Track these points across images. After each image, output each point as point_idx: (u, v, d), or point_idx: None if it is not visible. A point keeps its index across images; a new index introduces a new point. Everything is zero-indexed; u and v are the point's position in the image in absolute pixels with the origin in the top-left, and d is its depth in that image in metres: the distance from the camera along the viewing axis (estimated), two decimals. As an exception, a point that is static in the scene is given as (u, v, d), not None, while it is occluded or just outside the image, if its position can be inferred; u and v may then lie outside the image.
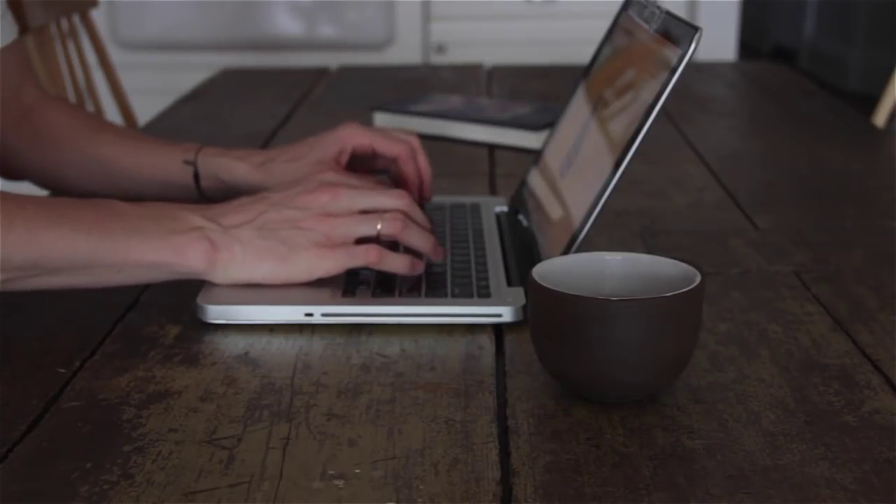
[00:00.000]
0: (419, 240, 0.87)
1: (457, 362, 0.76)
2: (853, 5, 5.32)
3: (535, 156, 1.07)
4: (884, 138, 1.51)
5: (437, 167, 1.09)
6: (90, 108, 1.81)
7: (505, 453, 0.64)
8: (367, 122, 1.49)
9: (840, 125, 1.58)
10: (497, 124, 1.43)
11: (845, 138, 1.48)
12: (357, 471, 0.62)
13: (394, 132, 1.07)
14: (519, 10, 2.99)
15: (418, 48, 3.01)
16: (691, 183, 1.24)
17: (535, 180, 1.02)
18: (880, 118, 1.67)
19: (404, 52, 2.98)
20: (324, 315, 0.82)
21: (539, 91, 1.78)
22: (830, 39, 5.57)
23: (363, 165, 1.06)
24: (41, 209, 0.79)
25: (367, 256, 0.84)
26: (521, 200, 1.04)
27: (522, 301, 0.82)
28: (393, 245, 0.87)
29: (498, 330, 0.82)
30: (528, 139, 1.39)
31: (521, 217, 1.01)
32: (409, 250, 0.87)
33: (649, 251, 0.90)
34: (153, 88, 2.30)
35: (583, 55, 1.16)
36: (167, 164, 1.06)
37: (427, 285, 0.86)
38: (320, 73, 2.02)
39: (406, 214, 0.87)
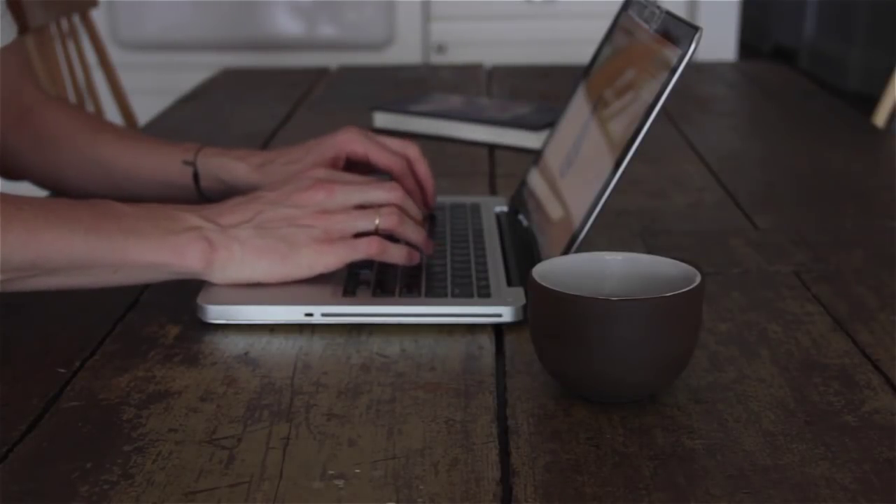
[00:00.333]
0: (413, 233, 0.88)
1: (457, 362, 0.76)
2: (853, 5, 5.32)
3: (535, 156, 1.07)
4: (884, 138, 1.51)
5: (437, 167, 1.08)
6: (90, 108, 1.81)
7: (505, 453, 0.64)
8: (367, 122, 1.50)
9: (840, 125, 1.58)
10: (497, 124, 1.43)
11: (845, 138, 1.48)
12: (357, 471, 0.62)
13: (392, 142, 1.05)
14: (519, 10, 2.99)
15: (418, 48, 3.01)
16: (691, 183, 1.24)
17: (535, 180, 1.02)
18: (880, 118, 1.67)
19: (404, 52, 2.98)
20: (324, 315, 0.82)
21: (539, 91, 1.78)
22: (830, 39, 5.57)
23: (362, 170, 1.06)
24: (39, 210, 0.79)
25: (369, 249, 0.84)
26: (521, 200, 1.04)
27: (522, 301, 0.82)
28: (388, 238, 0.87)
29: (498, 330, 0.82)
30: (528, 139, 1.39)
31: (521, 217, 1.01)
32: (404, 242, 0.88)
33: (649, 251, 0.90)
34: (153, 88, 2.30)
35: (583, 55, 1.16)
36: (167, 164, 1.06)
37: (427, 285, 0.86)
38: (320, 73, 2.02)
39: (400, 208, 0.87)
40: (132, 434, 0.66)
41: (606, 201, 0.82)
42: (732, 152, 1.42)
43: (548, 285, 0.69)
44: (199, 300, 0.83)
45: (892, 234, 1.04)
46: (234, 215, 0.85)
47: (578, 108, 1.00)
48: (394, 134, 1.34)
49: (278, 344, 0.80)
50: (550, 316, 0.70)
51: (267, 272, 0.84)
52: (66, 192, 1.09)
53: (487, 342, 0.80)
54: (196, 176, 1.05)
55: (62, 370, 0.75)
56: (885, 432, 0.66)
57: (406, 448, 0.65)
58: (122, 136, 1.10)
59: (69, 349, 0.79)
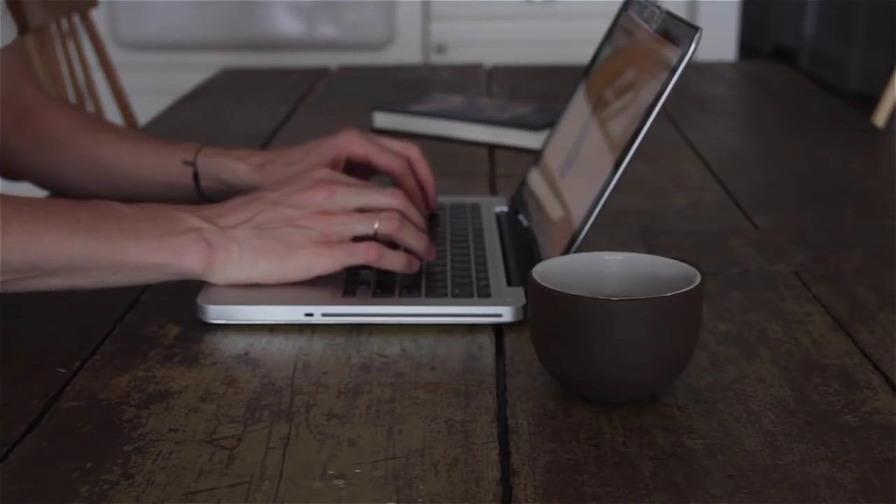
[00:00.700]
0: (414, 239, 0.87)
1: (457, 362, 0.76)
2: (853, 5, 5.32)
3: (535, 156, 1.07)
4: (884, 138, 1.51)
5: (437, 167, 1.08)
6: (90, 108, 1.81)
7: (505, 453, 0.64)
8: (367, 122, 1.50)
9: (840, 125, 1.58)
10: (497, 124, 1.43)
11: (845, 138, 1.48)
12: (357, 471, 0.62)
13: (393, 144, 1.05)
14: (519, 10, 2.99)
15: (418, 48, 3.01)
16: (691, 183, 1.24)
17: (535, 180, 1.02)
18: (880, 118, 1.67)
19: (404, 52, 2.98)
20: (324, 315, 0.82)
21: (539, 91, 1.78)
22: (830, 39, 5.57)
23: (363, 172, 1.06)
24: (38, 211, 0.79)
25: (367, 254, 0.84)
26: (521, 200, 1.04)
27: (522, 301, 0.82)
28: (388, 243, 0.87)
29: (498, 330, 0.82)
30: (528, 139, 1.39)
31: (521, 217, 1.01)
32: (404, 248, 0.87)
33: (649, 251, 0.90)
34: (153, 88, 2.29)
35: (583, 55, 1.16)
36: (167, 164, 1.06)
37: (427, 285, 0.86)
38: (320, 73, 2.02)
39: (401, 213, 0.87)
40: (132, 434, 0.66)
41: (606, 201, 0.82)
42: (732, 152, 1.42)
43: (548, 285, 0.69)
44: (199, 300, 0.83)
45: (892, 234, 1.04)
46: (234, 216, 0.85)
47: (578, 108, 1.00)
48: (394, 134, 1.34)
49: (278, 344, 0.80)
50: (550, 316, 0.70)
51: (265, 273, 0.84)
52: (66, 192, 1.09)
53: (487, 342, 0.80)
54: (196, 176, 1.05)
55: (62, 370, 0.75)
56: (885, 432, 0.66)
57: (406, 448, 0.65)
58: (122, 137, 1.10)
59: (69, 349, 0.79)
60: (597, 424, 0.67)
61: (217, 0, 3.01)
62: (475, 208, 1.07)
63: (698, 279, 0.70)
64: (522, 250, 0.94)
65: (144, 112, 1.82)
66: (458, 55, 2.92)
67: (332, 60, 2.26)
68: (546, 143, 1.06)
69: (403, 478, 0.61)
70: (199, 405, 0.70)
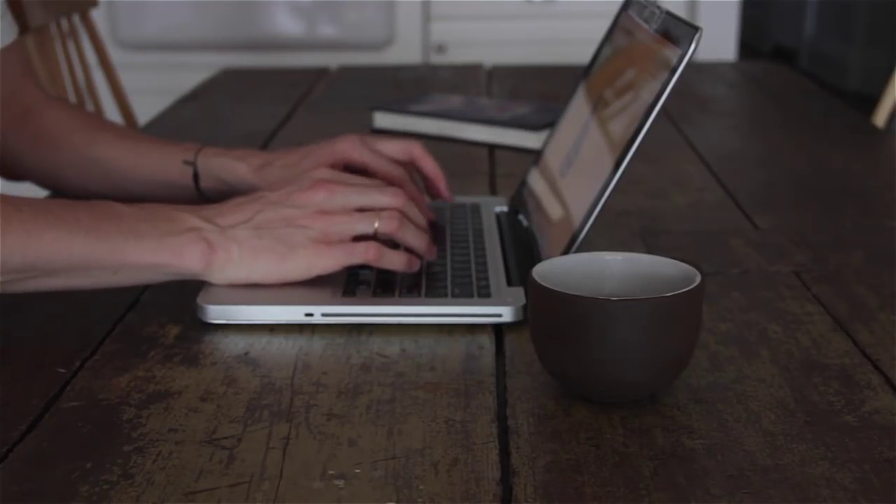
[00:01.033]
0: (414, 238, 0.87)
1: (457, 362, 0.76)
2: (853, 5, 5.32)
3: (535, 156, 1.07)
4: (884, 138, 1.51)
5: (437, 167, 1.08)
6: (90, 108, 1.81)
7: (505, 453, 0.64)
8: (367, 122, 1.50)
9: (840, 125, 1.58)
10: (497, 124, 1.43)
11: (845, 138, 1.48)
12: (357, 471, 0.62)
13: (394, 144, 1.03)
14: (519, 10, 2.99)
15: (418, 48, 3.01)
16: (691, 183, 1.24)
17: (535, 180, 1.02)
18: (880, 118, 1.67)
19: (404, 52, 2.98)
20: (324, 315, 0.82)
21: (539, 91, 1.78)
22: (830, 39, 5.57)
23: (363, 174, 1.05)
24: (38, 211, 0.79)
25: (367, 254, 0.84)
26: (521, 200, 1.04)
27: (522, 301, 0.82)
28: (389, 242, 0.87)
29: (498, 330, 0.82)
30: (528, 139, 1.39)
31: (521, 217, 1.01)
32: (405, 247, 0.87)
33: (649, 251, 0.90)
34: (153, 88, 2.29)
35: (583, 55, 1.16)
36: (167, 164, 1.06)
37: (427, 285, 0.86)
38: (320, 73, 2.02)
39: (402, 213, 0.87)
40: (132, 434, 0.66)
41: (606, 201, 0.82)
42: (732, 152, 1.42)
43: (548, 285, 0.69)
44: (199, 300, 0.83)
45: (892, 234, 1.04)
46: (234, 216, 0.85)
47: (578, 108, 1.00)
48: (394, 134, 1.34)
49: (278, 344, 0.80)
50: (550, 316, 0.70)
51: (265, 273, 0.84)
52: (66, 192, 1.09)
53: (487, 342, 0.80)
54: (196, 176, 1.05)
55: (62, 370, 0.75)
56: (885, 432, 0.66)
57: (406, 448, 0.65)
58: (123, 136, 1.10)
59: (69, 349, 0.79)
60: (597, 424, 0.67)
61: (217, 0, 3.01)
62: (475, 208, 1.07)
63: (698, 279, 0.70)
64: (522, 250, 0.94)
65: (144, 112, 1.82)
66: (458, 55, 2.92)
67: (332, 60, 2.26)
68: (546, 143, 1.06)
69: (403, 478, 0.61)
70: (199, 405, 0.70)
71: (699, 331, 0.71)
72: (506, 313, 0.81)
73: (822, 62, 5.61)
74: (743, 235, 1.04)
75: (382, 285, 0.86)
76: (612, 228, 1.05)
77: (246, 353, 0.78)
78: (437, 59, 2.99)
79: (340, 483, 0.61)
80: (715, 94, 1.82)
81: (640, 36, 0.90)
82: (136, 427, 0.67)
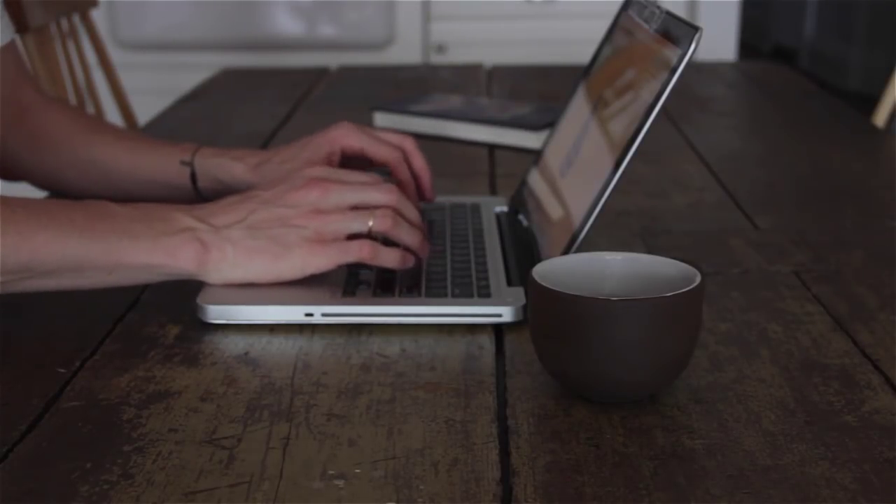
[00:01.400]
0: (408, 236, 0.87)
1: (457, 362, 0.76)
2: (853, 5, 5.32)
3: (535, 156, 1.07)
4: (884, 138, 1.51)
5: (437, 167, 1.08)
6: (90, 108, 1.81)
7: (505, 453, 0.64)
8: (367, 122, 1.49)
9: (840, 125, 1.58)
10: (497, 124, 1.43)
11: (845, 138, 1.48)
12: (357, 471, 0.62)
13: (387, 135, 1.04)
14: (519, 10, 2.99)
15: (418, 48, 3.01)
16: (691, 183, 1.24)
17: (535, 180, 1.02)
18: (880, 118, 1.67)
19: (404, 52, 2.98)
20: (324, 315, 0.82)
21: (539, 91, 1.78)
22: (830, 39, 5.57)
23: (358, 165, 1.05)
24: (32, 212, 0.79)
25: (361, 252, 0.84)
26: (521, 200, 1.04)
27: (522, 301, 0.82)
28: (384, 240, 0.87)
29: (498, 330, 0.82)
30: (528, 139, 1.39)
31: (521, 217, 1.01)
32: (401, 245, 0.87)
33: (649, 251, 0.90)
34: (153, 88, 2.30)
35: (583, 55, 1.16)
36: (165, 164, 1.06)
37: (427, 285, 0.86)
38: (320, 73, 2.02)
39: (396, 210, 0.87)
40: (132, 434, 0.66)
41: (606, 201, 0.82)
42: (732, 152, 1.42)
43: (548, 285, 0.69)
44: (199, 300, 0.83)
45: (892, 234, 1.04)
46: (227, 215, 0.85)
47: (578, 108, 1.00)
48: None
49: (278, 344, 0.80)
50: (550, 316, 0.70)
51: (259, 272, 0.84)
52: (64, 192, 1.09)
53: (487, 342, 0.80)
54: (194, 176, 1.05)
55: (62, 370, 0.75)
56: (885, 432, 0.66)
57: (406, 448, 0.65)
58: (120, 137, 1.10)
59: (69, 349, 0.79)
60: (597, 424, 0.67)
61: (217, 0, 3.00)
62: (475, 208, 1.07)
63: (698, 279, 0.70)
64: (522, 250, 0.94)
65: (144, 112, 1.82)
66: (458, 55, 2.92)
67: (332, 60, 2.26)
68: (546, 143, 1.06)
69: (403, 478, 0.61)
70: (199, 405, 0.70)
71: (699, 331, 0.71)
72: (506, 313, 0.81)
73: (822, 62, 5.61)
74: (743, 235, 1.04)
75: (382, 285, 0.86)
76: (612, 228, 1.05)
77: (246, 353, 0.78)
78: (437, 59, 2.99)
79: (340, 483, 0.61)
80: (715, 94, 1.82)
81: (640, 36, 0.90)
82: (136, 427, 0.67)
